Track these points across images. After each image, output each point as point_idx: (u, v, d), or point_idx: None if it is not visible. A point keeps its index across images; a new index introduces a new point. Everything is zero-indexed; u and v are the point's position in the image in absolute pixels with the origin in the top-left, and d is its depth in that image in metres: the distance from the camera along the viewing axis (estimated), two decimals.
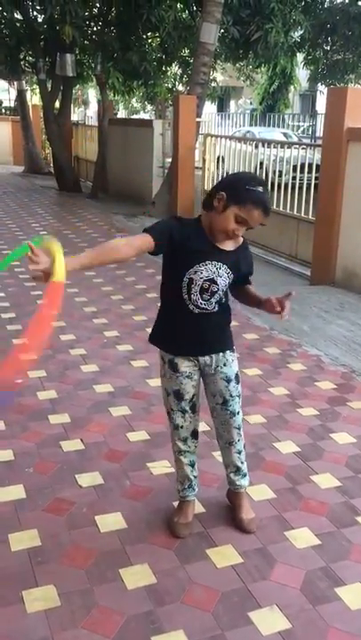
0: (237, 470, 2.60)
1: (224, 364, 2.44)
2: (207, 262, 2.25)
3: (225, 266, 2.28)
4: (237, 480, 2.61)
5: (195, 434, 2.55)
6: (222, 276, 2.28)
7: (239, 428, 2.54)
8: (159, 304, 2.50)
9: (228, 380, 2.45)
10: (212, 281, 2.27)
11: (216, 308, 2.34)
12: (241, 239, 2.33)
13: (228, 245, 2.30)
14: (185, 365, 2.40)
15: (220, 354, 2.42)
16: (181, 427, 2.49)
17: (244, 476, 2.63)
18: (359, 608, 2.20)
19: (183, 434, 2.51)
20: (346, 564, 2.40)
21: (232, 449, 2.56)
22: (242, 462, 2.61)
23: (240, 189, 2.15)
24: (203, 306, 2.30)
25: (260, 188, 2.16)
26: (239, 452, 2.58)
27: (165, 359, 2.43)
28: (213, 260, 2.26)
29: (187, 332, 2.36)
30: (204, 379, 2.48)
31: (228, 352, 2.44)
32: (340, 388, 4.01)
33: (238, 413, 2.51)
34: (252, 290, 2.47)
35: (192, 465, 2.58)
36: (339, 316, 5.41)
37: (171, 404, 2.47)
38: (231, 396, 2.47)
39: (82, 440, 3.25)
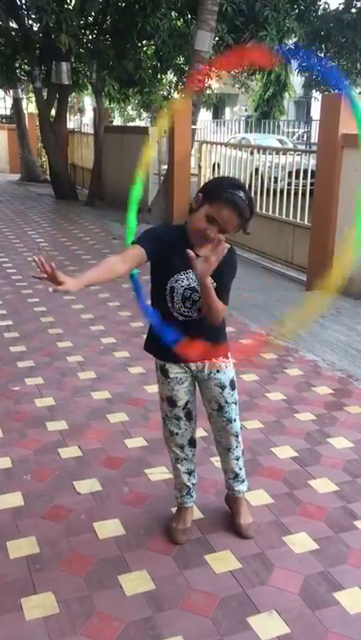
0: (236, 476, 2.61)
1: (217, 371, 2.43)
2: (188, 271, 2.23)
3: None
4: (236, 486, 2.62)
5: (192, 442, 2.55)
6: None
7: (237, 435, 2.54)
8: None
9: (223, 387, 2.45)
10: (193, 289, 2.25)
11: (201, 316, 2.31)
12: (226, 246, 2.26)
13: (205, 252, 2.22)
14: (175, 371, 2.41)
15: (213, 360, 2.41)
16: (176, 434, 2.49)
17: (243, 481, 2.64)
18: (358, 612, 2.20)
19: (179, 441, 2.51)
20: (344, 569, 2.41)
21: (230, 455, 2.57)
22: (240, 468, 2.61)
23: (215, 189, 2.15)
24: (186, 314, 2.30)
25: (240, 193, 2.12)
26: (237, 459, 2.59)
27: (157, 365, 2.45)
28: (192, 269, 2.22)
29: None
30: (199, 385, 2.48)
31: (220, 358, 2.43)
32: (337, 392, 4.02)
33: (235, 420, 2.51)
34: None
35: (189, 473, 2.58)
36: (335, 321, 5.43)
37: (165, 411, 2.48)
38: (227, 402, 2.47)
39: (80, 447, 3.25)
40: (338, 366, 4.44)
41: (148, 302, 2.33)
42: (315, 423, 3.59)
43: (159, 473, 3.01)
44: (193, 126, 9.84)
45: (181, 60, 13.01)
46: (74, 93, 18.14)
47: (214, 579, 2.34)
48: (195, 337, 2.32)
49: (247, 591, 2.27)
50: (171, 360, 2.39)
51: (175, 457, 2.55)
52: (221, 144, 10.75)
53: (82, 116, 31.10)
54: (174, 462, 2.57)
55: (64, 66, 11.97)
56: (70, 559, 2.42)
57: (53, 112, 13.95)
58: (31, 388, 3.94)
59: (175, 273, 2.25)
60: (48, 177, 15.11)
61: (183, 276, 2.25)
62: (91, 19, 12.68)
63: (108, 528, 2.61)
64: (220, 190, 2.13)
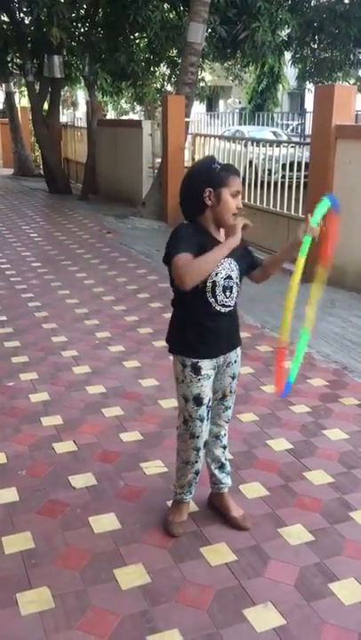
0: (222, 466, 2.61)
1: (235, 361, 2.49)
2: (222, 261, 2.28)
3: (231, 259, 2.32)
4: (222, 478, 2.62)
5: (206, 443, 2.53)
6: (234, 270, 2.34)
7: (227, 422, 2.58)
8: (171, 313, 2.45)
9: (234, 377, 2.51)
10: (230, 277, 2.32)
11: (234, 303, 2.39)
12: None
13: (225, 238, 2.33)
14: (207, 367, 2.38)
15: (238, 348, 2.49)
16: (197, 436, 2.44)
17: (228, 473, 2.64)
18: (353, 603, 2.20)
19: (198, 444, 2.46)
20: (340, 560, 2.41)
21: (218, 443, 2.58)
22: (226, 459, 2.62)
23: (214, 174, 2.23)
24: (228, 303, 2.34)
25: (217, 164, 2.26)
26: (224, 448, 2.61)
27: (187, 364, 2.36)
28: (225, 257, 2.28)
29: (215, 332, 2.36)
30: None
31: (238, 347, 2.50)
32: (332, 384, 4.02)
33: (230, 408, 2.56)
34: (266, 258, 2.52)
35: (197, 473, 2.56)
36: (330, 313, 5.43)
37: (190, 412, 2.41)
38: (231, 392, 2.52)
39: (75, 441, 3.24)
40: (333, 358, 4.44)
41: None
42: (310, 415, 3.60)
43: (154, 467, 3.01)
44: (186, 119, 9.80)
45: (174, 52, 12.94)
46: (66, 87, 18.05)
47: (210, 571, 2.34)
48: (233, 324, 2.43)
49: (243, 583, 2.28)
50: (205, 356, 2.37)
51: (188, 459, 2.50)
52: (215, 136, 10.72)
53: (75, 110, 30.97)
54: (184, 464, 2.52)
55: (56, 59, 11.89)
56: (66, 554, 2.42)
57: (46, 106, 13.88)
58: (26, 384, 3.93)
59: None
60: (41, 171, 15.06)
61: (220, 268, 2.28)
62: (82, 11, 12.59)
63: (104, 522, 2.61)
64: (219, 169, 2.24)
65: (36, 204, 11.87)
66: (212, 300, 2.30)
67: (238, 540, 2.51)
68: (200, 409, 2.41)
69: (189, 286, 2.18)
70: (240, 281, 2.40)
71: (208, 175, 2.23)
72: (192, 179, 2.30)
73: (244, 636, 2.06)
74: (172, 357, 2.47)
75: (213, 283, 2.28)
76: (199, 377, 2.37)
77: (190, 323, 2.36)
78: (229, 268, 2.32)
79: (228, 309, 2.36)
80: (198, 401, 2.39)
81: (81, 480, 2.90)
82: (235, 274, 2.35)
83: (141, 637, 2.04)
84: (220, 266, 2.28)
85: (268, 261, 2.50)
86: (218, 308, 2.32)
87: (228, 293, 2.33)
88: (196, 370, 2.37)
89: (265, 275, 2.53)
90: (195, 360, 2.36)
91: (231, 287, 2.34)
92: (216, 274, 2.27)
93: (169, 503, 2.68)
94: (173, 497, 2.63)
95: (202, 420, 2.43)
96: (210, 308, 2.31)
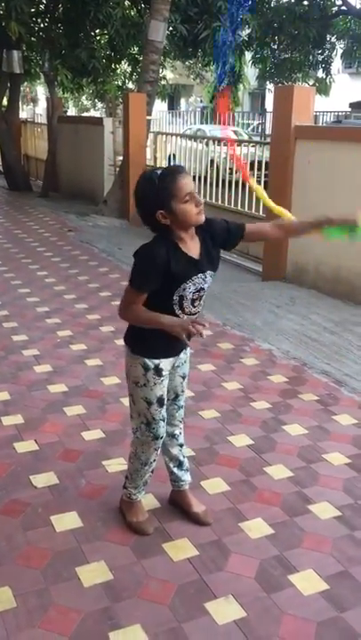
0: (180, 464, 2.64)
1: (185, 362, 2.51)
2: (193, 278, 2.25)
3: (208, 272, 2.30)
4: (182, 475, 2.64)
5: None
6: (207, 281, 2.31)
7: (181, 421, 2.61)
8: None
9: (184, 377, 2.53)
10: (201, 289, 2.30)
11: (200, 309, 2.38)
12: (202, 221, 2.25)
13: (196, 247, 2.26)
14: (167, 367, 2.39)
15: (188, 348, 2.48)
16: (160, 437, 2.46)
17: (187, 470, 2.67)
18: (312, 594, 2.26)
19: (159, 443, 2.48)
20: (298, 552, 2.47)
21: (174, 442, 2.60)
22: (183, 457, 2.65)
23: (157, 193, 2.12)
24: (194, 311, 2.33)
25: (157, 172, 2.16)
26: (181, 446, 2.63)
27: (150, 366, 2.34)
28: (198, 273, 2.26)
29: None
30: None
31: (187, 348, 2.50)
32: (292, 380, 4.09)
33: (183, 407, 2.59)
34: (271, 226, 2.50)
35: (153, 471, 2.59)
36: (290, 310, 5.51)
37: (153, 414, 2.40)
38: (182, 391, 2.54)
39: (36, 441, 3.23)
40: (292, 355, 4.51)
41: None
42: (270, 411, 3.65)
43: (116, 464, 3.02)
44: (148, 117, 9.79)
45: (135, 49, 12.91)
46: (26, 82, 17.82)
47: (172, 566, 2.36)
48: None
49: (204, 577, 2.31)
50: (166, 355, 2.37)
51: (147, 461, 2.51)
52: (177, 135, 10.75)
53: (35, 106, 30.60)
54: (143, 466, 2.52)
55: (15, 54, 11.71)
56: (27, 553, 2.41)
57: (5, 101, 13.68)
58: None
59: (181, 283, 2.23)
60: (0, 168, 14.83)
61: (189, 284, 2.24)
62: (42, 7, 12.44)
63: (66, 521, 2.60)
64: (160, 184, 2.12)
65: None
66: (179, 311, 2.28)
67: (200, 535, 2.54)
68: (162, 409, 2.42)
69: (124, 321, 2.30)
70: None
71: (152, 197, 2.13)
72: (140, 205, 2.20)
73: (205, 629, 2.09)
74: (125, 359, 2.45)
75: (181, 297, 2.24)
76: (161, 378, 2.38)
77: (154, 329, 2.27)
78: (202, 281, 2.28)
79: (194, 316, 2.34)
80: (161, 402, 2.41)
81: (42, 479, 2.89)
82: (206, 285, 2.31)
83: (104, 634, 2.05)
84: (190, 282, 2.23)
85: (292, 226, 2.57)
86: (184, 316, 2.29)
87: (196, 303, 2.31)
88: (159, 371, 2.36)
89: (286, 233, 2.59)
90: (157, 361, 2.34)
91: (201, 297, 2.32)
92: (184, 289, 2.24)
93: None
94: (126, 499, 2.61)
95: (163, 420, 2.45)
96: (175, 315, 2.28)
